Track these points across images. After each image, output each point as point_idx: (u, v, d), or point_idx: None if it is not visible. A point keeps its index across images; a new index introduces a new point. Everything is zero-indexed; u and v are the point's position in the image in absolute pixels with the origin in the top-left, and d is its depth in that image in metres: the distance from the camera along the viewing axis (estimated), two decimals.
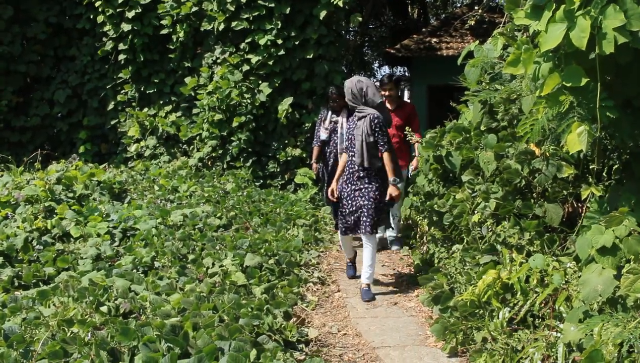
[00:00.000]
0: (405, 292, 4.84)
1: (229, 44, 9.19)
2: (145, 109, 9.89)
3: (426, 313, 4.26)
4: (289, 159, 8.88)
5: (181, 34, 9.34)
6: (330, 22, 8.95)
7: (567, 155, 3.61)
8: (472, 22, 10.13)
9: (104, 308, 3.65)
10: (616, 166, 3.46)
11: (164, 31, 9.54)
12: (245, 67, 8.96)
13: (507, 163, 4.00)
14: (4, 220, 5.75)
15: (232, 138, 8.89)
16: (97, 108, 10.25)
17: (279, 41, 8.75)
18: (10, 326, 3.29)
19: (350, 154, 4.73)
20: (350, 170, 4.73)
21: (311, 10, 8.76)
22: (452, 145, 4.74)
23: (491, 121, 4.51)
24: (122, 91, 10.02)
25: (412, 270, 5.35)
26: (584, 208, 3.66)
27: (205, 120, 9.01)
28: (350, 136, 4.75)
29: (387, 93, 5.99)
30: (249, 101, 8.82)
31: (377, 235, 4.98)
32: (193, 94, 9.39)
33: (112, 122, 10.15)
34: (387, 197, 4.61)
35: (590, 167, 3.59)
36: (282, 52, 8.79)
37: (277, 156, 8.95)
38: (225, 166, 9.00)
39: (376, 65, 20.61)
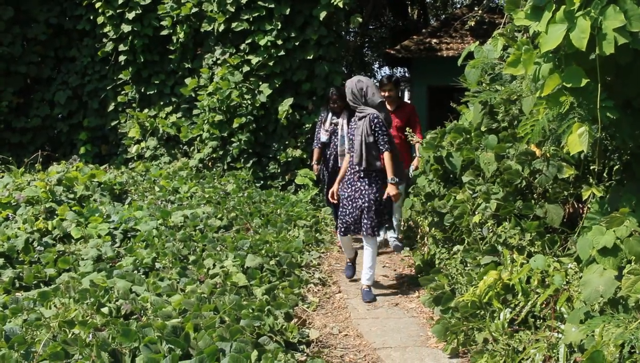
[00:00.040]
0: (406, 293, 4.84)
1: (229, 45, 9.20)
2: (146, 110, 9.90)
3: (427, 314, 4.26)
4: (289, 159, 8.88)
5: (181, 35, 9.35)
6: (330, 23, 8.95)
7: (567, 155, 3.61)
8: (472, 23, 10.13)
9: (105, 310, 3.64)
10: (617, 167, 3.46)
11: (164, 32, 9.55)
12: (246, 68, 8.96)
13: (508, 164, 4.00)
14: (5, 221, 5.76)
15: (233, 139, 8.90)
16: (97, 109, 10.26)
17: (279, 42, 8.75)
18: (12, 327, 3.29)
19: (351, 154, 4.73)
20: (351, 171, 4.73)
21: (311, 11, 8.77)
22: (452, 146, 4.74)
23: (491, 122, 4.51)
24: (123, 92, 10.03)
25: (413, 271, 5.35)
26: (585, 209, 3.67)
27: (205, 121, 9.01)
28: (351, 137, 4.75)
29: (386, 94, 5.98)
30: (249, 102, 8.82)
31: (378, 239, 4.98)
32: (193, 95, 9.40)
33: (113, 123, 10.15)
34: (384, 196, 4.60)
35: (591, 167, 3.58)
36: (282, 53, 8.80)
37: (278, 157, 8.95)
38: (225, 167, 9.01)
39: (376, 66, 20.64)
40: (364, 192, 4.63)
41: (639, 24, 2.35)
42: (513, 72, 2.90)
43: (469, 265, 3.99)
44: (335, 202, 4.88)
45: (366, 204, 4.60)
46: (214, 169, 8.98)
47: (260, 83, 8.96)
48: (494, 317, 3.33)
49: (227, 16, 8.98)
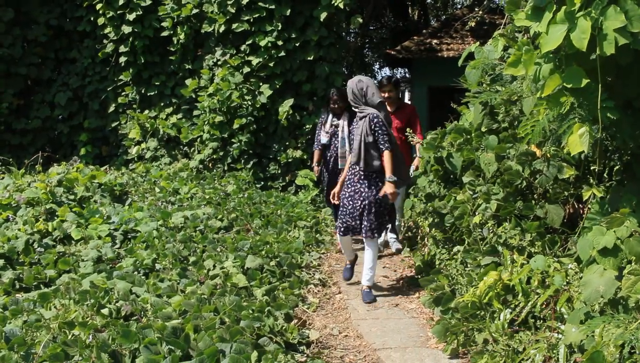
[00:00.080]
0: (407, 294, 4.84)
1: (230, 46, 9.21)
2: (146, 111, 9.91)
3: (427, 314, 4.26)
4: (289, 160, 8.88)
5: (182, 36, 9.36)
6: (331, 24, 8.96)
7: (568, 156, 3.61)
8: (473, 24, 10.12)
9: (105, 311, 3.64)
10: (617, 167, 3.46)
11: (165, 33, 9.56)
12: (246, 69, 8.97)
13: (508, 164, 4.00)
14: (5, 222, 5.76)
15: (233, 140, 8.90)
16: (97, 110, 10.27)
17: (280, 43, 8.76)
18: (11, 328, 3.28)
19: (351, 154, 4.72)
20: (352, 172, 4.72)
21: (311, 11, 8.77)
22: (453, 146, 4.74)
23: (492, 122, 4.51)
24: (123, 93, 10.04)
25: (413, 271, 5.34)
26: (585, 209, 3.66)
27: (206, 122, 9.02)
28: (352, 137, 4.74)
29: (386, 95, 5.97)
30: (249, 103, 8.83)
31: (379, 240, 4.97)
32: (194, 96, 9.41)
33: (113, 124, 10.16)
34: (381, 194, 4.54)
35: (591, 168, 3.58)
36: (282, 54, 8.80)
37: (278, 158, 8.96)
38: (226, 168, 9.01)
39: (377, 66, 20.67)
40: (364, 193, 4.62)
41: (639, 24, 2.35)
42: (513, 73, 2.90)
43: (469, 265, 3.98)
44: (336, 203, 4.87)
45: (366, 206, 4.59)
46: (215, 170, 8.98)
47: (261, 84, 8.97)
48: (494, 318, 3.33)
49: (228, 17, 8.98)
